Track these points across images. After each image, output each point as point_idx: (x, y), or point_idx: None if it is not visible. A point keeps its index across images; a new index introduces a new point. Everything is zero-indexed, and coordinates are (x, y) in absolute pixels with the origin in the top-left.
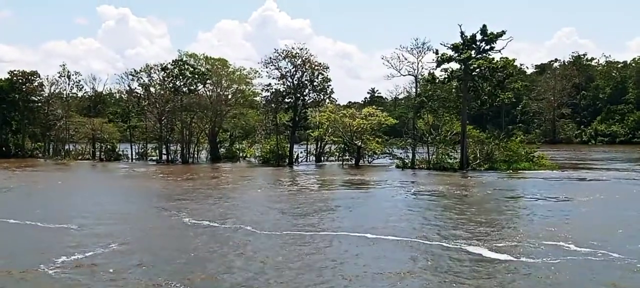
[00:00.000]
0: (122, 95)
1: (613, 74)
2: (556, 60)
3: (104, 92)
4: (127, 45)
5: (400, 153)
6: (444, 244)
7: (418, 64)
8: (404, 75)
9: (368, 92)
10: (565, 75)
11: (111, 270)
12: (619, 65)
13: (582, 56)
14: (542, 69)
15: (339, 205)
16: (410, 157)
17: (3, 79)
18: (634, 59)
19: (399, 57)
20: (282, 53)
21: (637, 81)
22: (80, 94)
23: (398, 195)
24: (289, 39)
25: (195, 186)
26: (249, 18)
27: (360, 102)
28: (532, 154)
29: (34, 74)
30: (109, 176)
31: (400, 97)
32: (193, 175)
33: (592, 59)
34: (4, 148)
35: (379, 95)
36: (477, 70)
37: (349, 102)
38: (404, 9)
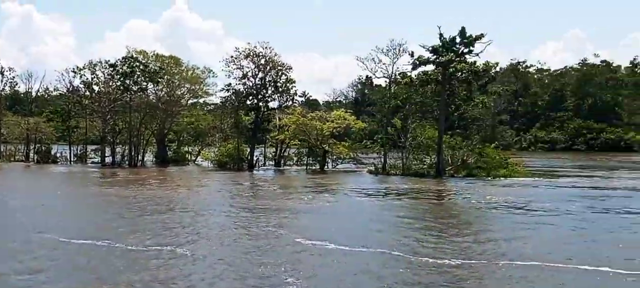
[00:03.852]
0: (59, 93)
1: (546, 82)
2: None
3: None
4: (31, 43)
5: (367, 158)
6: None
7: (393, 66)
8: (378, 78)
9: (300, 96)
10: (503, 81)
11: None
12: (555, 73)
13: (520, 63)
14: None
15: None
16: (382, 162)
17: None
18: (571, 66)
19: (373, 59)
20: (244, 51)
21: (574, 89)
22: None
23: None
24: (200, 41)
25: (227, 194)
26: (160, 18)
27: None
28: (506, 161)
29: None
30: (78, 182)
31: (336, 101)
32: (177, 181)
33: (527, 66)
34: None
35: (314, 99)
36: (458, 74)
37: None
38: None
